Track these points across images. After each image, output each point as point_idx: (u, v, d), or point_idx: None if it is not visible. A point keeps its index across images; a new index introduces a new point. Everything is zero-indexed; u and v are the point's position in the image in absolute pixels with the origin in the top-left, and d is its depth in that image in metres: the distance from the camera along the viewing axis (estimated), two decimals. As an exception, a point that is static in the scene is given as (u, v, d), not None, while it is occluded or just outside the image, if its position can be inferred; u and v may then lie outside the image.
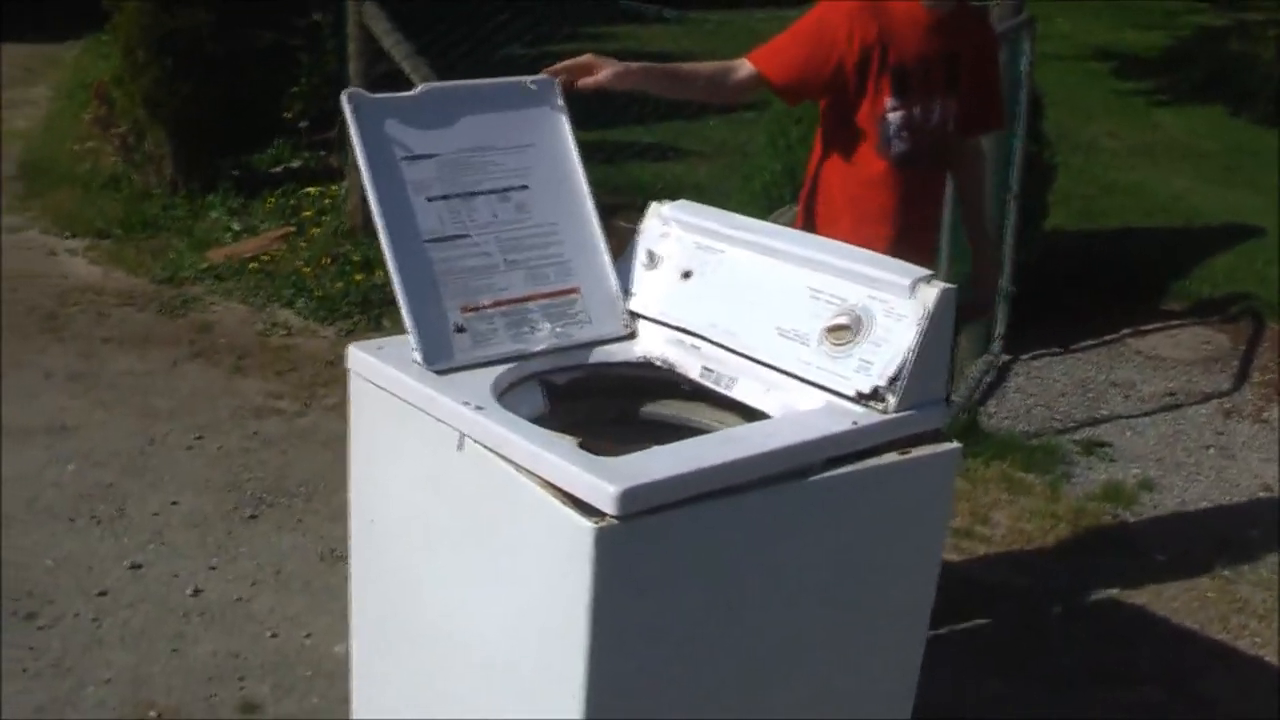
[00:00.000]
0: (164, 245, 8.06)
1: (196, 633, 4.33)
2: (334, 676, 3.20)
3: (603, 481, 2.26)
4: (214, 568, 4.69)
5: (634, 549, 2.30)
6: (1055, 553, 5.15)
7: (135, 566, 4.67)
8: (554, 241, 3.03)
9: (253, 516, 5.03)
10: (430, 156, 2.91)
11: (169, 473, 5.34)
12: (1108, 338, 7.30)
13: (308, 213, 8.27)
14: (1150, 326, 7.47)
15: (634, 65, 3.46)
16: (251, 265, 7.67)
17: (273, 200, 8.60)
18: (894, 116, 3.84)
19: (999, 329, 6.92)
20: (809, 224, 3.99)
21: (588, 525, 2.24)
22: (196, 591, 4.54)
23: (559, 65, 3.21)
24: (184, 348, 6.63)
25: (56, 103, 11.19)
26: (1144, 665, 4.49)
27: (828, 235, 3.64)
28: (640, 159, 9.67)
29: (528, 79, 3.10)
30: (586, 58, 3.29)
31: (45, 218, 8.51)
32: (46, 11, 12.95)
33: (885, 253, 3.52)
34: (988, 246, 4.49)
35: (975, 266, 4.35)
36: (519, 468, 2.42)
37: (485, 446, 2.51)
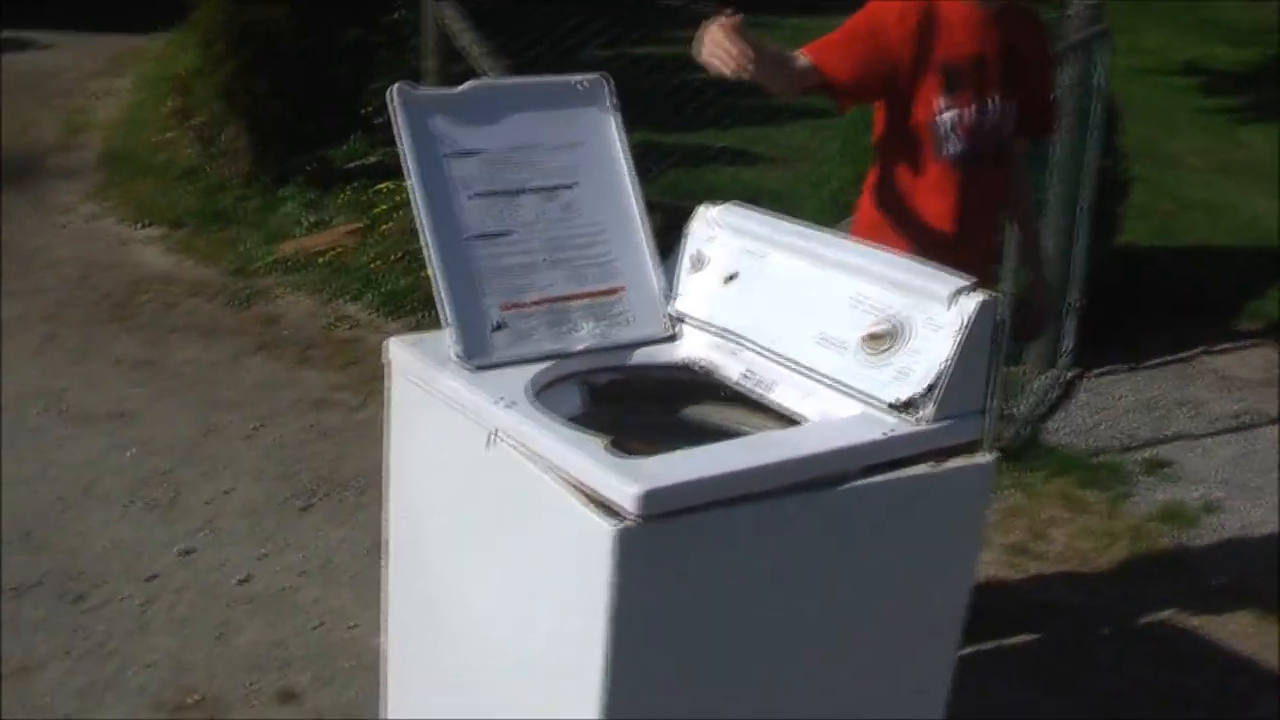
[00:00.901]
0: (236, 237, 8.13)
1: (241, 621, 4.36)
2: (374, 669, 3.20)
3: (625, 482, 2.24)
4: (263, 557, 4.73)
5: (656, 551, 2.28)
6: (1111, 572, 5.09)
7: (186, 553, 4.72)
8: (599, 241, 3.01)
9: (305, 508, 5.07)
10: (476, 153, 2.91)
11: (225, 462, 5.38)
12: (1179, 356, 7.19)
13: (380, 208, 8.29)
14: (1222, 346, 7.36)
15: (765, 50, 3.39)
16: (321, 259, 7.72)
17: (346, 195, 8.64)
18: (947, 116, 3.78)
19: (1067, 343, 6.86)
20: (868, 228, 3.93)
21: (608, 526, 2.23)
22: (244, 580, 4.58)
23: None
24: (249, 339, 6.69)
25: (139, 94, 11.30)
26: (1194, 689, 4.42)
27: (884, 240, 3.63)
28: (714, 163, 9.65)
29: (577, 77, 3.09)
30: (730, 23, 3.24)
31: (122, 207, 8.62)
32: (134, 4, 13.09)
33: (943, 257, 3.54)
34: (1041, 256, 4.43)
35: (1032, 279, 4.30)
36: (545, 466, 2.41)
37: (514, 444, 2.50)
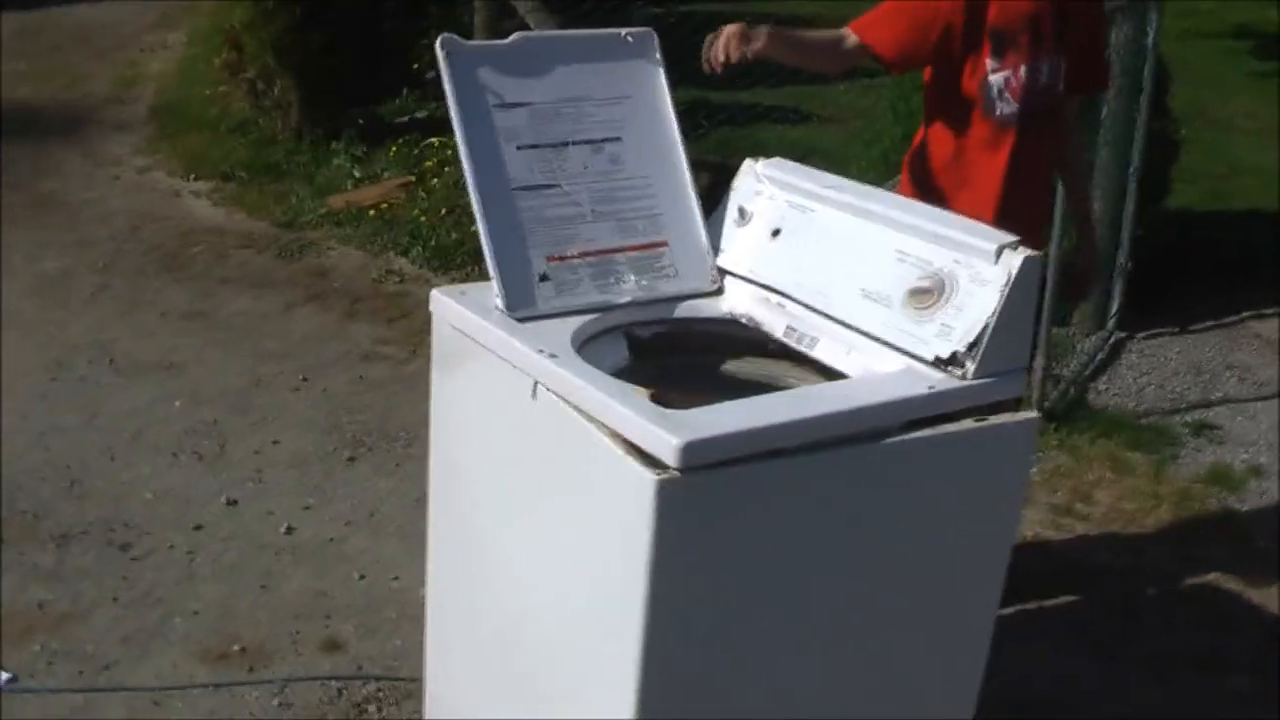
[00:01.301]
0: (286, 190, 8.17)
1: (286, 570, 4.40)
2: (418, 620, 3.23)
3: (667, 433, 2.25)
4: (309, 508, 4.77)
5: (697, 502, 2.29)
6: (1155, 534, 5.07)
7: (232, 503, 4.76)
8: (645, 195, 3.01)
9: (352, 459, 5.10)
10: (523, 105, 2.91)
11: (273, 413, 5.43)
12: (1227, 320, 7.15)
13: (429, 163, 8.30)
14: (1271, 311, 7.29)
15: (771, 33, 3.46)
16: (371, 213, 7.75)
17: (396, 149, 8.65)
18: (996, 78, 3.77)
19: (1115, 305, 6.82)
20: (915, 188, 3.92)
21: (650, 476, 2.24)
22: (290, 530, 4.62)
23: (717, 38, 3.21)
24: (299, 291, 6.72)
25: (191, 48, 11.31)
26: (1237, 653, 4.41)
27: (933, 200, 3.59)
28: (764, 120, 9.62)
29: (625, 31, 3.09)
30: (737, 27, 3.28)
31: (173, 159, 8.67)
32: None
33: (993, 218, 3.53)
34: (1090, 218, 4.41)
35: (1079, 241, 4.29)
36: (588, 417, 2.42)
37: (557, 395, 2.51)
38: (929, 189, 3.87)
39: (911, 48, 3.79)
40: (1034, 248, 3.60)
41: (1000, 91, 3.78)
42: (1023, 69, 3.77)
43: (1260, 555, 4.99)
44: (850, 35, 3.76)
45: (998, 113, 3.80)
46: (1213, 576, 4.81)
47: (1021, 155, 3.85)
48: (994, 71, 3.77)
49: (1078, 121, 4.27)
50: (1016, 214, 3.75)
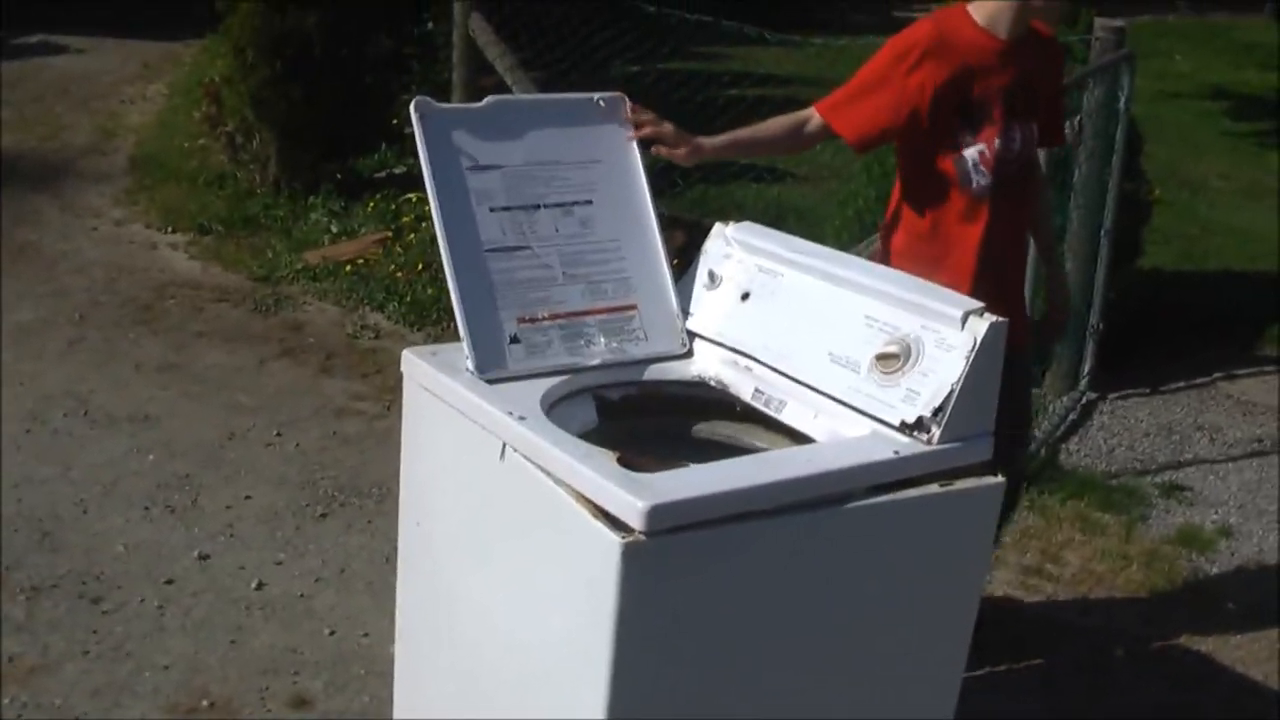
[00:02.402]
0: (263, 244, 8.18)
1: (256, 625, 4.40)
2: (386, 676, 3.24)
3: (632, 497, 2.27)
4: (280, 563, 4.77)
5: (662, 565, 2.30)
6: (1125, 595, 5.09)
7: (203, 557, 4.76)
8: (615, 257, 3.04)
9: (324, 515, 5.11)
10: (495, 167, 2.94)
11: (246, 467, 5.43)
12: (1198, 380, 7.20)
13: (406, 218, 8.33)
14: (1243, 371, 7.36)
15: (706, 142, 3.53)
16: (347, 267, 7.77)
17: (373, 204, 8.68)
18: (970, 152, 3.82)
19: (1087, 366, 6.87)
20: (890, 256, 3.96)
21: (615, 539, 2.26)
22: (260, 585, 4.62)
23: (643, 120, 3.22)
24: (273, 345, 6.73)
25: (172, 100, 11.36)
26: (1206, 713, 4.43)
27: (909, 269, 3.62)
28: (740, 179, 9.66)
29: (597, 95, 3.12)
30: (668, 128, 3.30)
31: (150, 212, 8.67)
32: (168, 10, 13.17)
33: (970, 287, 3.64)
34: (1057, 264, 4.46)
35: (1049, 286, 4.34)
36: (556, 479, 2.44)
37: (525, 457, 2.53)
38: (907, 261, 3.85)
39: (877, 131, 3.82)
40: (1016, 310, 3.72)
41: (975, 165, 3.83)
42: (996, 141, 3.82)
43: (1230, 616, 5.01)
44: (815, 117, 3.81)
45: (974, 185, 3.85)
46: (1182, 638, 4.84)
47: (997, 223, 3.90)
48: (968, 146, 3.82)
49: (1040, 175, 4.32)
50: (995, 280, 3.85)
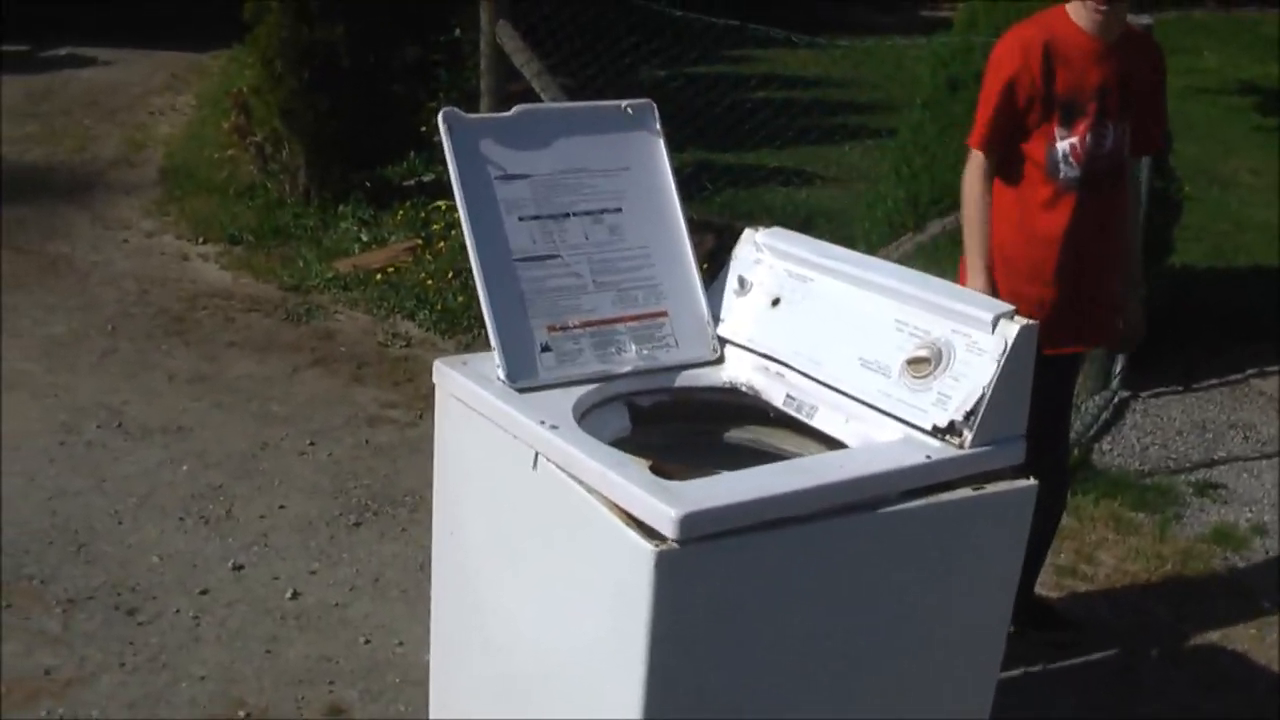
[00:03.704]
0: (293, 253, 8.20)
1: (291, 635, 4.41)
2: (422, 684, 3.26)
3: (664, 505, 2.28)
4: (314, 572, 4.78)
5: (694, 573, 2.31)
6: (1158, 594, 5.08)
7: (237, 568, 4.77)
8: (645, 265, 3.05)
9: (357, 524, 5.12)
10: (524, 177, 2.95)
11: (279, 477, 5.44)
12: (1231, 378, 7.17)
13: (436, 226, 8.34)
14: (1275, 368, 7.32)
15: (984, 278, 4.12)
16: (377, 276, 7.78)
17: (403, 212, 8.69)
18: (1062, 144, 4.03)
19: (1119, 365, 6.84)
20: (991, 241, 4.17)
21: (648, 548, 2.27)
22: (295, 595, 4.63)
23: None
24: (305, 355, 6.75)
25: (201, 111, 11.40)
26: (1239, 714, 4.41)
27: (998, 257, 4.11)
28: (769, 182, 9.67)
29: (625, 102, 3.13)
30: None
31: (181, 223, 8.70)
32: (196, 22, 13.22)
33: (1054, 275, 4.08)
34: (1136, 273, 4.50)
35: (1126, 296, 4.40)
36: (588, 488, 2.45)
37: (558, 465, 2.54)
38: (996, 247, 4.14)
39: (1011, 131, 4.07)
40: (1100, 306, 4.15)
41: (1065, 156, 4.03)
42: (1088, 136, 4.03)
43: (1262, 614, 4.99)
44: (976, 155, 4.10)
45: (1061, 176, 4.05)
46: (1216, 636, 4.82)
47: (1081, 217, 4.09)
48: (1061, 139, 4.02)
49: (1134, 181, 4.45)
50: (1076, 272, 4.14)
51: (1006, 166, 4.12)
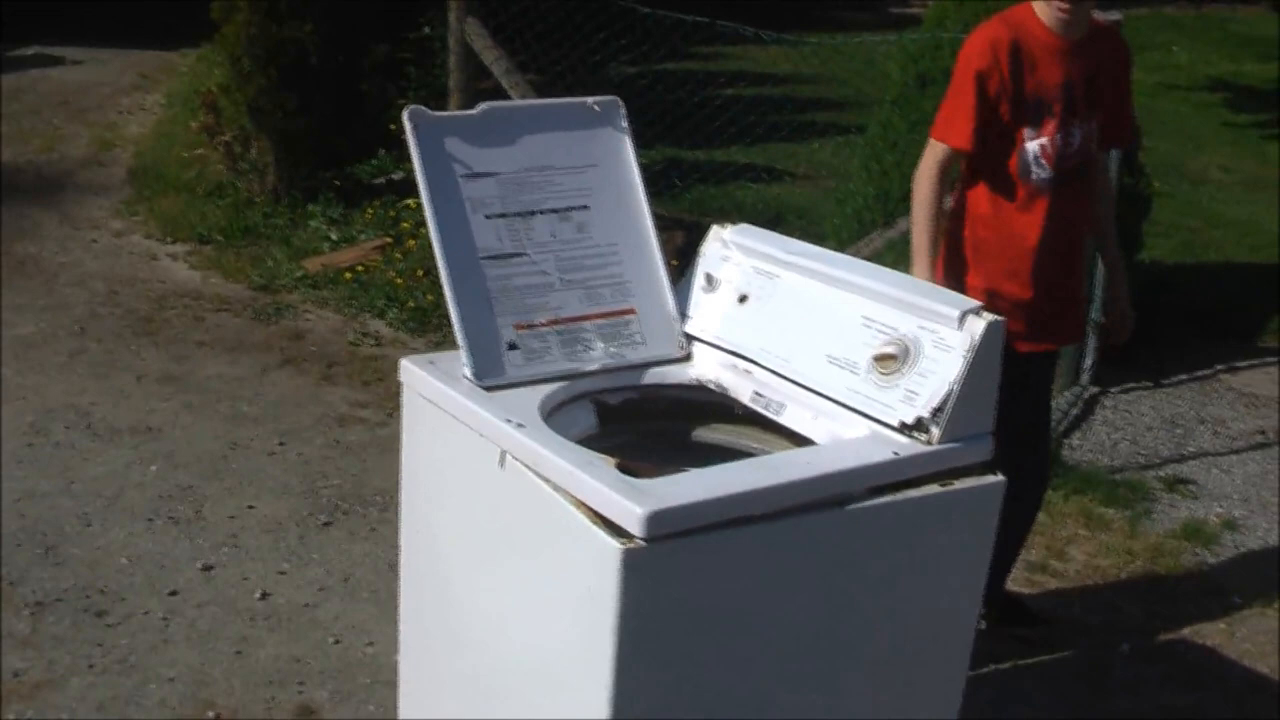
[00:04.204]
0: (263, 253, 8.17)
1: (261, 636, 4.39)
2: (392, 685, 3.25)
3: (631, 503, 2.28)
4: (284, 572, 4.76)
5: (661, 571, 2.31)
6: (1129, 590, 5.08)
7: (207, 568, 4.75)
8: (612, 262, 3.04)
9: (327, 524, 5.10)
10: (490, 175, 2.95)
11: (249, 477, 5.42)
12: (1200, 373, 7.20)
13: (406, 224, 8.31)
14: (1245, 363, 7.36)
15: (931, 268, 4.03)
16: (347, 275, 7.76)
17: (372, 211, 8.66)
18: (1032, 145, 4.01)
19: (1088, 360, 6.86)
20: (952, 244, 4.16)
21: (615, 546, 2.26)
22: (265, 595, 4.61)
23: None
24: (275, 354, 6.72)
25: (169, 110, 11.34)
26: (1210, 709, 4.42)
27: (972, 258, 4.09)
28: (739, 179, 9.66)
29: (591, 99, 3.12)
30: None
31: (150, 223, 8.66)
32: (164, 21, 13.17)
33: (1029, 275, 4.04)
34: (1120, 266, 4.51)
35: (1107, 288, 4.40)
36: (555, 486, 2.45)
37: (525, 464, 2.53)
38: (969, 247, 4.14)
39: (981, 130, 4.01)
40: (1072, 306, 4.11)
41: (1036, 158, 4.02)
42: (1057, 136, 4.01)
43: (1232, 609, 5.00)
44: (935, 144, 4.04)
45: (1033, 178, 4.04)
46: (1187, 632, 4.83)
47: (1055, 216, 4.08)
48: (1030, 140, 4.01)
49: (1105, 174, 4.44)
50: (1053, 271, 4.12)
51: (979, 170, 4.10)
